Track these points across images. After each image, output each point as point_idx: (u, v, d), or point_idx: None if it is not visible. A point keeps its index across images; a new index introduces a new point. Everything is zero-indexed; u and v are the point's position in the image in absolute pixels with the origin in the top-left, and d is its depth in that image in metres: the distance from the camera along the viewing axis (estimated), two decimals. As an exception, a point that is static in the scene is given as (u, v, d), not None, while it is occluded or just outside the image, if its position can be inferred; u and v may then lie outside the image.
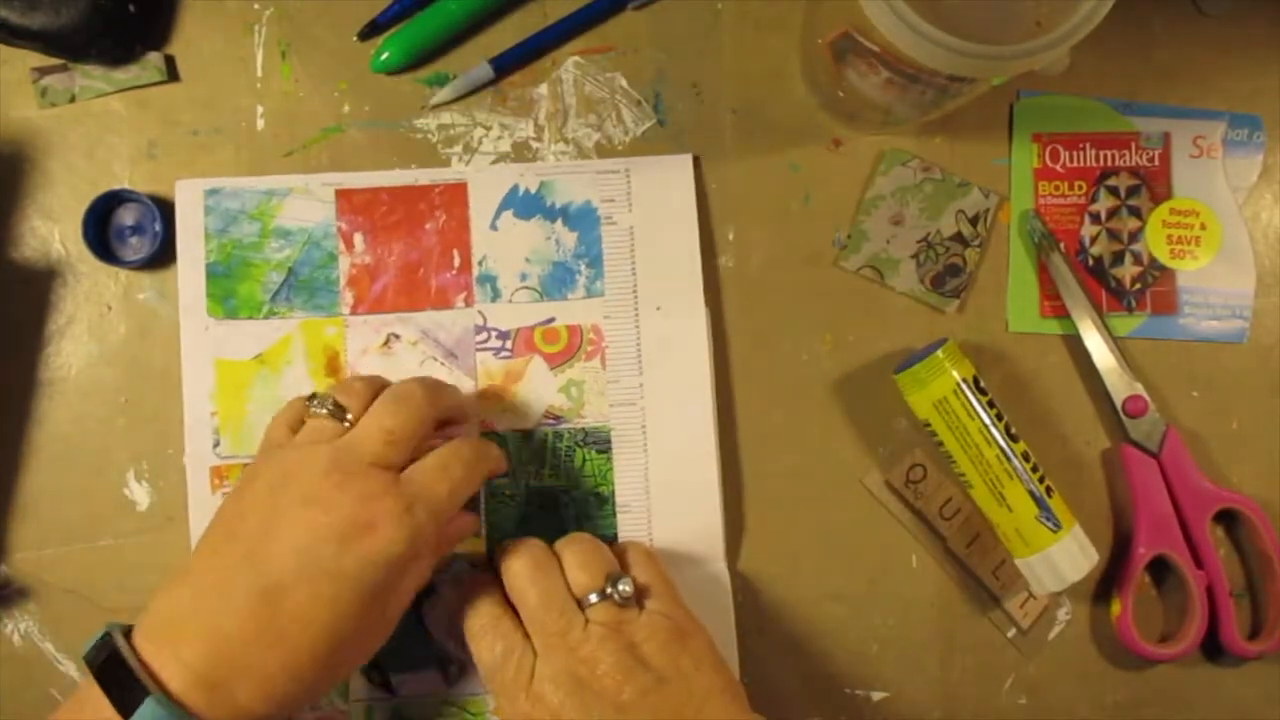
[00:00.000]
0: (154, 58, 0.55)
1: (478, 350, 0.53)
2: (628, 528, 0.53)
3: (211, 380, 0.53)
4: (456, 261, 0.54)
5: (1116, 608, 0.54)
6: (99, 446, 0.54)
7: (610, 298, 0.54)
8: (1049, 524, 0.51)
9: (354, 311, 0.54)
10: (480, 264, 0.54)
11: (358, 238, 0.54)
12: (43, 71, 0.55)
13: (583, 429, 0.53)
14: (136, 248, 0.55)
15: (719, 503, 0.53)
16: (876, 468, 0.55)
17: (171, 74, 0.56)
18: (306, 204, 0.54)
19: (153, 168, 0.55)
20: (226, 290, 0.53)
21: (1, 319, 0.54)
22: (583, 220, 0.54)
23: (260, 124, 0.56)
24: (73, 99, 0.55)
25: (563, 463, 0.53)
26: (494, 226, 0.54)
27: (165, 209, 0.54)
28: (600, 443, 0.53)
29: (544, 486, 0.53)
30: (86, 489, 0.54)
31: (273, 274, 0.53)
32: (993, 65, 0.42)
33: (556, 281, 0.54)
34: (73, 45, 0.53)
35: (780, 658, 0.54)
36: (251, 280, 0.53)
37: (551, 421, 0.53)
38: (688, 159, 0.55)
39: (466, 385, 0.53)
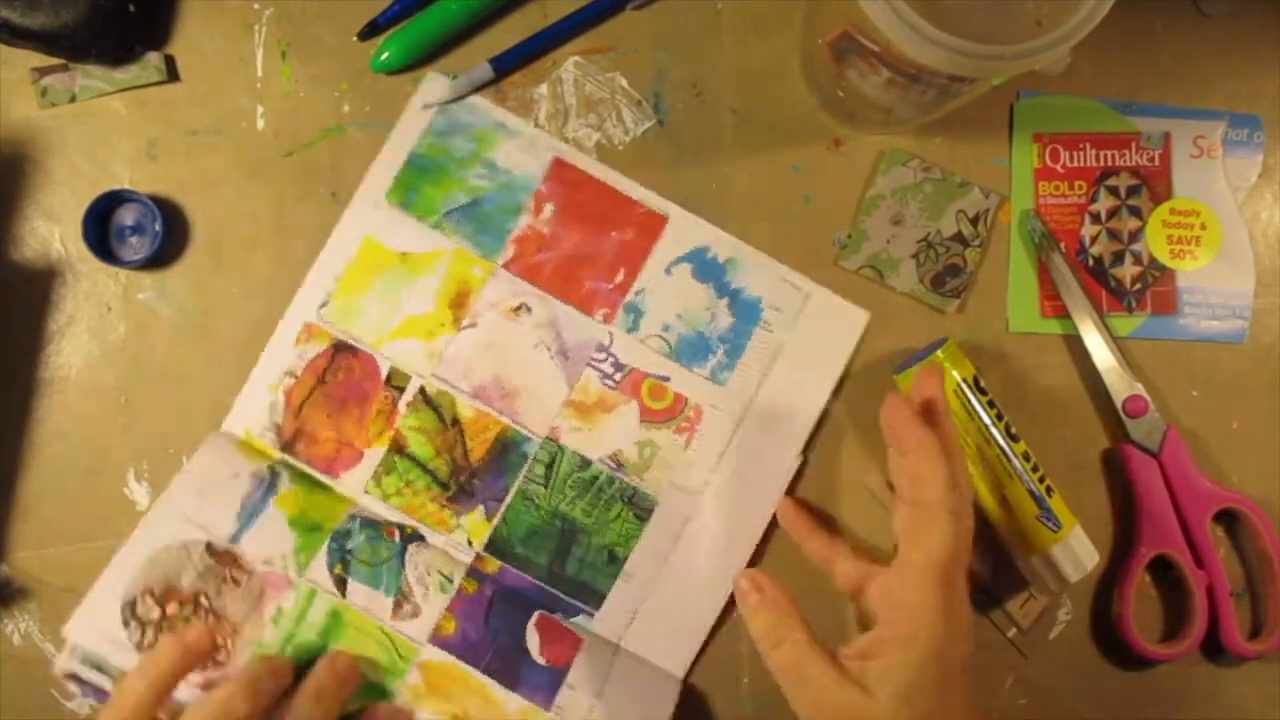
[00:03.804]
0: (154, 58, 0.55)
1: (589, 365, 0.53)
2: (620, 596, 0.52)
3: (353, 252, 0.53)
4: (618, 278, 0.53)
5: (1116, 608, 0.54)
6: (99, 446, 0.54)
7: (728, 391, 0.53)
8: (1049, 524, 0.52)
9: (506, 266, 0.53)
10: (636, 293, 0.53)
11: (548, 207, 0.53)
12: (43, 71, 0.55)
13: (634, 487, 0.52)
14: (136, 247, 0.55)
15: (705, 633, 0.52)
16: (876, 468, 0.55)
17: (171, 74, 0.56)
18: (524, 153, 0.54)
19: (153, 168, 0.55)
20: (413, 183, 0.53)
21: (1, 319, 0.54)
22: (746, 311, 0.53)
23: (260, 124, 0.56)
24: (73, 99, 0.55)
25: (599, 505, 0.52)
26: (668, 271, 0.53)
27: (165, 209, 0.54)
28: (642, 509, 0.52)
29: (570, 516, 0.52)
30: (86, 489, 0.54)
31: (460, 194, 0.53)
32: (993, 65, 0.42)
33: (691, 348, 0.53)
34: (73, 45, 0.53)
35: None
36: (439, 187, 0.53)
37: (612, 465, 0.52)
38: (864, 316, 0.54)
39: (560, 390, 0.53)
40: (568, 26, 0.56)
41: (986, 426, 0.51)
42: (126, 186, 0.54)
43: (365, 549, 0.51)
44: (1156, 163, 0.57)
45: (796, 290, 0.53)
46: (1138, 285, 0.56)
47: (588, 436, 0.52)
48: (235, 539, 0.50)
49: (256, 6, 0.56)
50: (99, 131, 0.55)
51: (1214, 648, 0.55)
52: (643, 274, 0.53)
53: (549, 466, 0.52)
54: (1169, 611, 0.56)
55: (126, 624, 0.49)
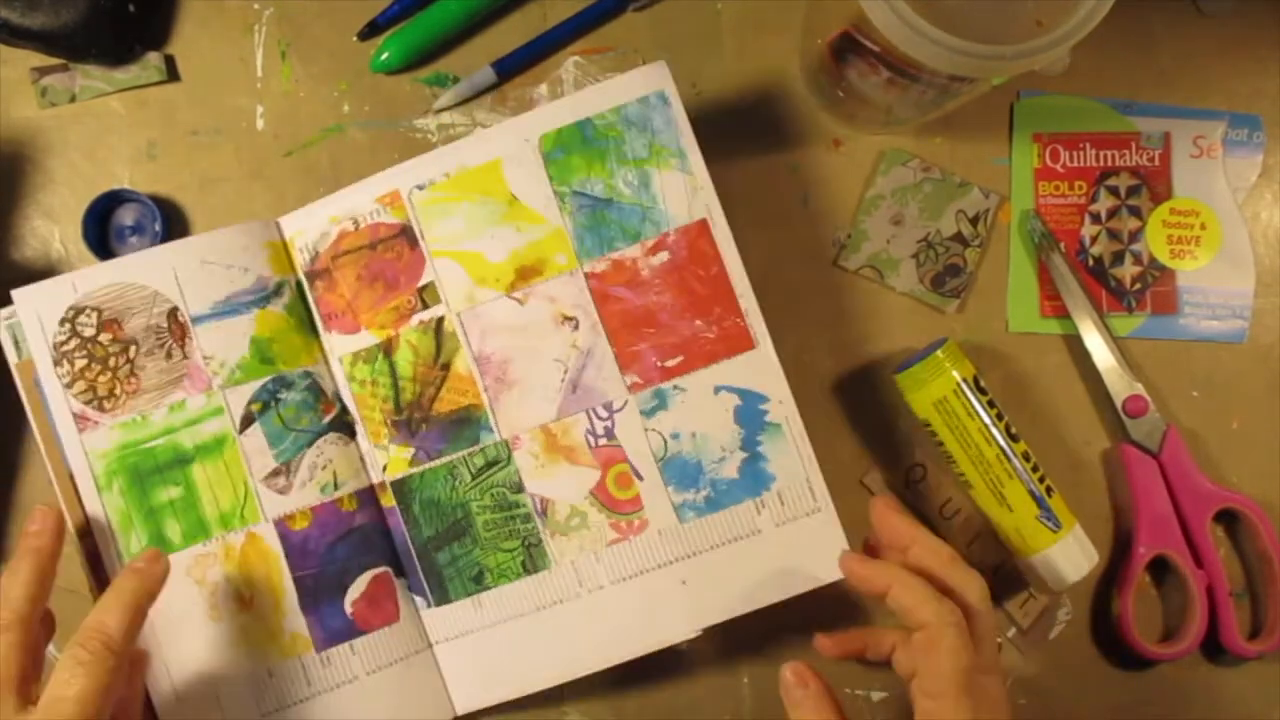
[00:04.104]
0: (154, 58, 0.55)
1: (586, 412, 0.50)
2: (464, 612, 0.51)
3: (475, 163, 0.50)
4: (671, 361, 0.50)
5: (1116, 608, 0.54)
6: (99, 446, 0.54)
7: (682, 531, 0.50)
8: (1049, 524, 0.51)
9: (588, 275, 0.50)
10: (675, 386, 0.50)
11: (664, 255, 0.50)
12: (43, 71, 0.55)
13: (540, 541, 0.50)
14: (136, 248, 0.55)
15: (507, 695, 0.50)
16: (876, 468, 0.55)
17: (171, 74, 0.56)
18: (680, 193, 0.50)
19: (153, 168, 0.55)
20: (569, 144, 0.50)
21: (1, 319, 0.55)
22: (753, 479, 0.50)
23: (260, 124, 0.56)
24: (73, 99, 0.55)
25: (501, 530, 0.51)
26: (717, 390, 0.50)
27: (165, 209, 0.54)
28: (533, 563, 0.50)
29: (471, 518, 0.51)
30: (86, 489, 0.54)
31: (600, 185, 0.50)
32: (993, 65, 0.42)
33: (682, 470, 0.50)
34: (73, 45, 0.53)
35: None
36: (588, 166, 0.50)
37: (538, 508, 0.50)
38: (835, 572, 0.49)
39: (545, 413, 0.50)
40: (569, 29, 0.56)
41: (986, 426, 0.51)
42: (126, 186, 0.54)
43: (291, 408, 0.50)
44: (1156, 163, 0.57)
45: (810, 498, 0.49)
46: (1138, 285, 0.56)
47: (537, 468, 0.50)
48: (197, 321, 0.50)
49: (256, 6, 0.56)
50: (99, 131, 0.55)
51: (1214, 648, 0.54)
52: (694, 375, 0.50)
53: (487, 465, 0.51)
54: (1169, 611, 0.56)
55: (62, 322, 0.49)
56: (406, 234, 0.51)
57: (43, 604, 0.44)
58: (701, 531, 0.50)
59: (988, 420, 0.52)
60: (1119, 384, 0.55)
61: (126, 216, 0.55)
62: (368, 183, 0.51)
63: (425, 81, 0.56)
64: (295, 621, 0.49)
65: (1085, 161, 0.57)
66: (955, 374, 0.52)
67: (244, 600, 0.49)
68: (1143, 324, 0.56)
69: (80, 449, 0.49)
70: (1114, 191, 0.57)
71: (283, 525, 0.50)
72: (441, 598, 0.51)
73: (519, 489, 0.51)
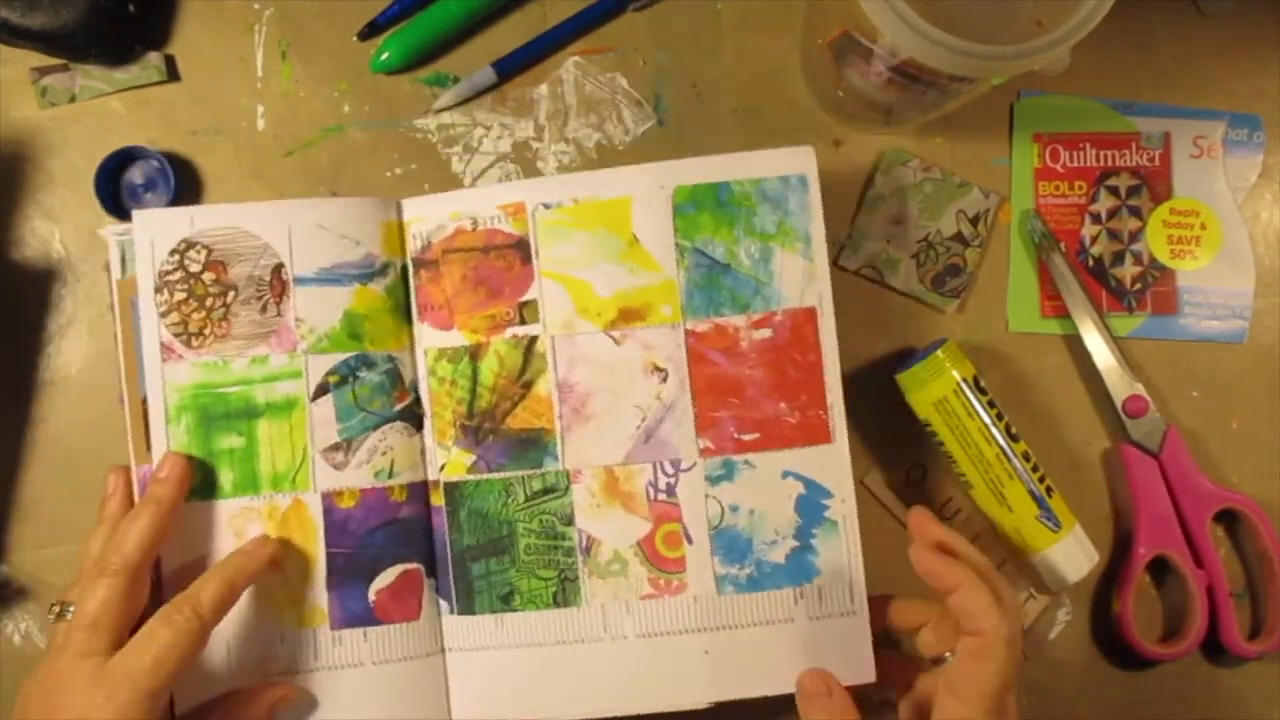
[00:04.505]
0: (154, 58, 0.55)
1: (653, 464, 0.50)
2: (484, 626, 0.50)
3: (607, 196, 0.50)
4: (746, 436, 0.49)
5: (1116, 608, 0.54)
6: (99, 447, 0.54)
7: (716, 603, 0.49)
8: (1049, 524, 0.52)
9: (689, 332, 0.50)
10: (745, 461, 0.50)
11: (765, 332, 0.50)
12: (43, 71, 0.55)
13: (577, 577, 0.50)
14: (152, 204, 0.55)
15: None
16: (876, 468, 0.55)
17: (171, 74, 0.56)
18: (798, 275, 0.50)
19: (153, 168, 0.55)
20: (701, 202, 0.50)
21: (1, 319, 0.54)
22: (798, 568, 0.49)
23: (260, 124, 0.56)
24: (73, 99, 0.55)
25: (541, 558, 0.50)
26: (785, 475, 0.49)
27: (177, 165, 0.55)
28: (565, 597, 0.50)
29: (515, 538, 0.50)
30: (86, 489, 0.54)
31: (720, 249, 0.50)
32: (993, 65, 0.42)
33: (731, 544, 0.49)
34: (73, 45, 0.53)
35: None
36: (714, 227, 0.50)
37: (582, 546, 0.50)
38: (870, 667, 0.49)
39: (613, 455, 0.50)
40: (569, 29, 0.56)
41: (986, 426, 0.51)
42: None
43: (367, 388, 0.50)
44: (1156, 163, 0.57)
45: (848, 600, 0.49)
46: (1138, 285, 0.56)
47: (591, 506, 0.50)
48: (299, 282, 0.50)
49: (256, 6, 0.56)
50: (99, 131, 0.55)
51: (1214, 648, 0.55)
52: (766, 454, 0.49)
53: (544, 491, 0.51)
54: (1169, 611, 0.56)
55: (172, 252, 0.49)
56: (521, 247, 0.51)
57: (154, 554, 0.46)
58: (736, 608, 0.49)
59: (988, 420, 0.52)
60: (1119, 384, 0.55)
61: (137, 174, 0.55)
62: (496, 188, 0.52)
63: (425, 81, 0.56)
64: (318, 595, 0.49)
65: (1085, 161, 0.57)
66: (955, 374, 0.52)
67: (274, 561, 0.49)
68: (1143, 324, 0.56)
69: (160, 377, 0.49)
70: (1114, 191, 0.57)
71: (329, 500, 0.50)
72: (466, 607, 0.51)
73: (569, 521, 0.50)
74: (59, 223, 0.55)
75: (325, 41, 0.56)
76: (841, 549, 0.49)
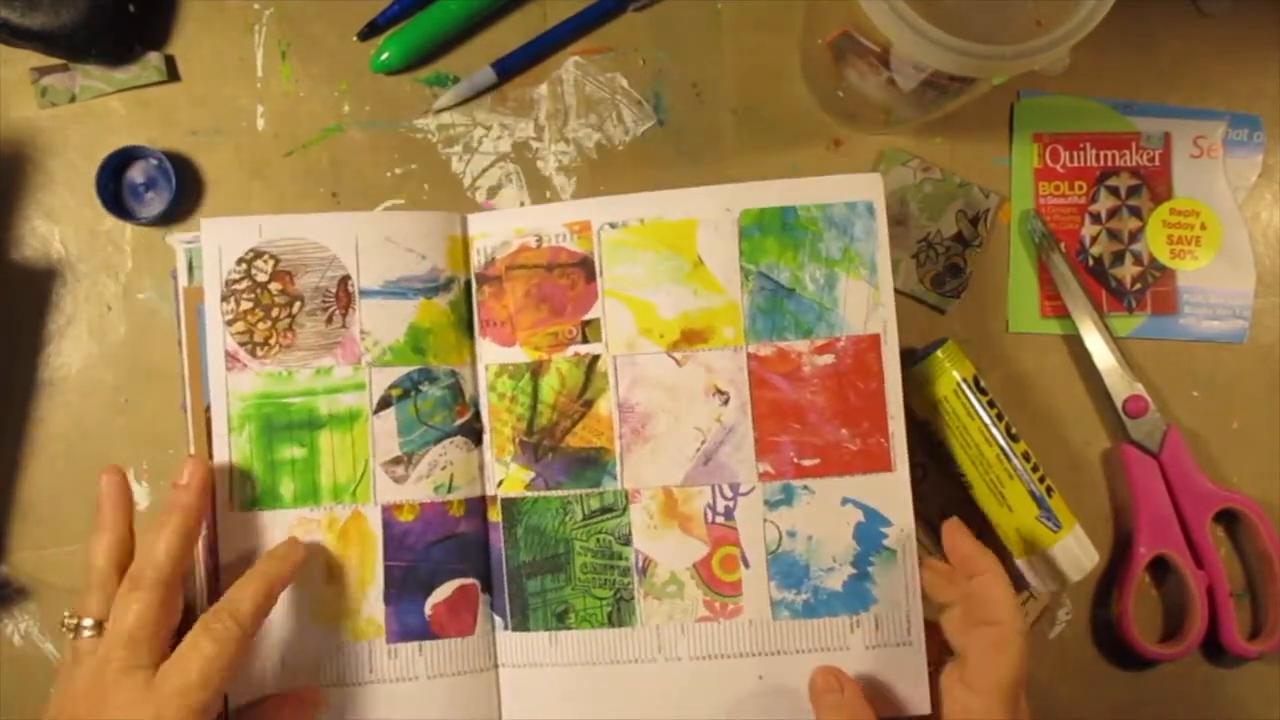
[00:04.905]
0: (154, 58, 0.55)
1: (712, 487, 0.50)
2: (537, 643, 0.50)
3: (672, 218, 0.50)
4: (806, 462, 0.49)
5: (1116, 608, 0.54)
6: (99, 446, 0.54)
7: (770, 629, 0.49)
8: (1049, 524, 0.52)
9: (751, 355, 0.50)
10: (804, 485, 0.49)
11: (828, 358, 0.49)
12: (43, 71, 0.55)
13: (632, 598, 0.50)
14: (154, 204, 0.55)
15: None
16: (876, 468, 0.55)
17: (171, 74, 0.56)
18: (861, 302, 0.50)
19: (153, 168, 0.55)
20: (766, 225, 0.50)
21: (1, 319, 0.55)
22: (854, 597, 0.49)
23: (260, 124, 0.56)
24: (73, 99, 0.55)
25: (597, 576, 0.50)
26: (844, 501, 0.49)
27: (178, 164, 0.55)
28: (620, 617, 0.50)
29: (571, 556, 0.50)
30: (86, 489, 0.54)
31: (785, 273, 0.50)
32: (993, 65, 0.42)
33: (788, 569, 0.49)
34: (73, 45, 0.53)
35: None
36: (779, 251, 0.50)
37: (639, 566, 0.50)
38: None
39: (672, 476, 0.50)
40: (569, 29, 0.56)
41: (986, 426, 0.51)
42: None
43: (429, 402, 0.50)
44: (1156, 163, 0.57)
45: (905, 630, 0.48)
46: (1138, 285, 0.56)
47: (649, 526, 0.50)
48: (365, 294, 0.50)
49: (256, 6, 0.56)
50: (99, 131, 0.55)
51: (1214, 648, 0.55)
52: (826, 480, 0.49)
53: (601, 510, 0.50)
54: (1169, 611, 0.56)
55: (240, 261, 0.49)
56: (586, 266, 0.51)
57: (186, 562, 0.45)
58: (791, 633, 0.49)
59: (988, 420, 0.52)
60: (1119, 384, 0.55)
61: (138, 174, 0.55)
62: (561, 206, 0.52)
63: (425, 81, 0.56)
64: (375, 608, 0.49)
65: (1085, 161, 0.57)
66: (955, 374, 0.52)
67: (333, 572, 0.49)
68: (1143, 324, 0.56)
69: (224, 386, 0.49)
70: (1114, 191, 0.57)
71: (389, 513, 0.50)
72: (521, 624, 0.51)
73: (626, 541, 0.50)
74: (59, 223, 0.55)
75: (325, 41, 0.56)
76: (899, 578, 0.49)
